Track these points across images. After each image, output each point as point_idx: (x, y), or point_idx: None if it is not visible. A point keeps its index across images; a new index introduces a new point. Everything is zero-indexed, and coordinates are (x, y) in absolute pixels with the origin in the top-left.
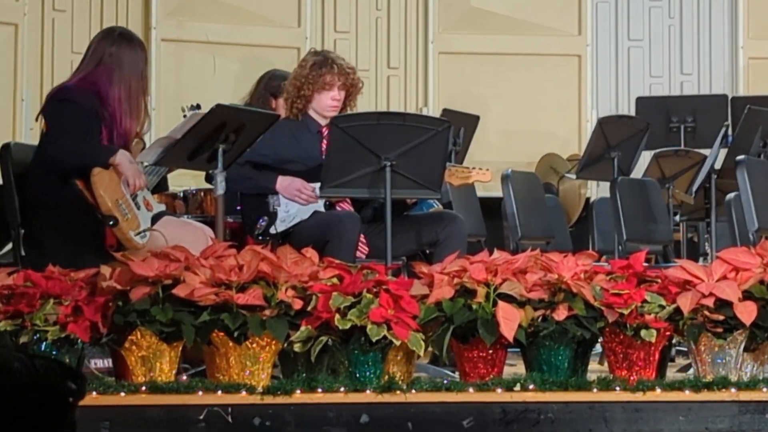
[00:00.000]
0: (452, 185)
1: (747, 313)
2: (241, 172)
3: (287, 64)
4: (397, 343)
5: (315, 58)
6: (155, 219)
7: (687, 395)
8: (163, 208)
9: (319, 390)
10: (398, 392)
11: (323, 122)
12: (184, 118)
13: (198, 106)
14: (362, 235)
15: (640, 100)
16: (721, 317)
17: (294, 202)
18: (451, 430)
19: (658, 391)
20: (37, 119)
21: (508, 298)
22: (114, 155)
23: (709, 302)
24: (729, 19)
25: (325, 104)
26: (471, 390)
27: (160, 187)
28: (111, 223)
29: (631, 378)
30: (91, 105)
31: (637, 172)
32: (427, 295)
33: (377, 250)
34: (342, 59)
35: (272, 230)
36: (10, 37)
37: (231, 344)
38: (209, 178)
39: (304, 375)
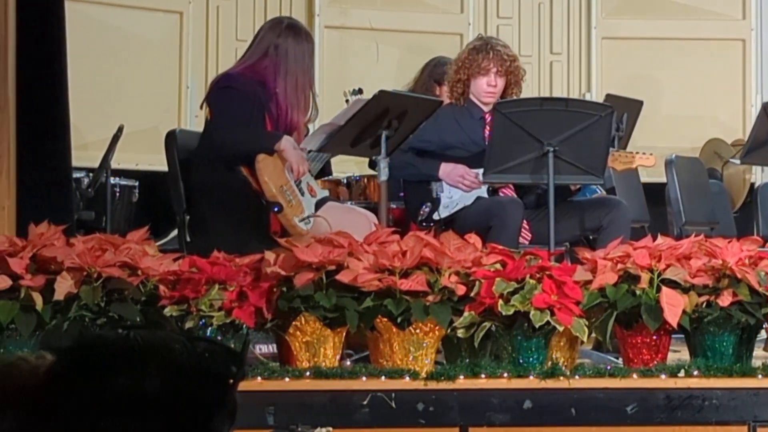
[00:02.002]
0: (615, 170)
1: None
2: (404, 158)
3: (450, 51)
4: (561, 328)
5: (476, 42)
6: (319, 205)
7: None
8: (326, 193)
9: (483, 376)
10: (562, 378)
11: (486, 108)
12: (346, 103)
13: (360, 91)
14: (525, 221)
15: None
16: None
17: (457, 188)
18: (614, 416)
19: None
20: (201, 107)
21: (672, 284)
22: (279, 141)
23: None
24: None
25: (481, 89)
26: (635, 376)
27: (324, 173)
28: (276, 209)
29: None
30: (254, 93)
31: None
32: (591, 281)
33: (540, 236)
34: (503, 46)
35: (435, 216)
36: (176, 25)
37: (394, 330)
38: (372, 165)
39: (467, 360)
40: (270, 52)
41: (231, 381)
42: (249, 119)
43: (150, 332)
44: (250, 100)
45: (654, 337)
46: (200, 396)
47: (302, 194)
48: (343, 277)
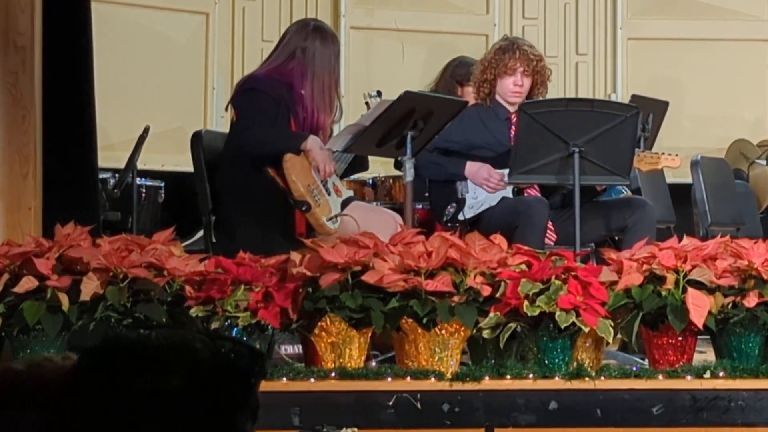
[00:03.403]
0: (641, 171)
1: None
2: (429, 158)
3: (475, 52)
4: (586, 329)
5: (502, 42)
6: (344, 204)
7: None
8: (351, 193)
9: (508, 376)
10: (587, 379)
11: (512, 109)
12: (365, 104)
13: (379, 93)
14: (550, 222)
15: None
16: None
17: (482, 188)
18: (640, 417)
19: None
20: (227, 108)
21: (698, 285)
22: (305, 141)
23: None
24: None
25: (507, 89)
26: (660, 377)
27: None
28: (304, 208)
29: None
30: (279, 94)
31: None
32: (616, 282)
33: (566, 237)
34: (529, 46)
35: (461, 216)
36: (201, 26)
37: (420, 330)
38: (398, 165)
39: (492, 361)
40: (297, 55)
41: (252, 379)
42: (274, 120)
43: (172, 332)
44: (276, 101)
45: (680, 338)
46: (223, 394)
47: (329, 194)
48: (369, 278)
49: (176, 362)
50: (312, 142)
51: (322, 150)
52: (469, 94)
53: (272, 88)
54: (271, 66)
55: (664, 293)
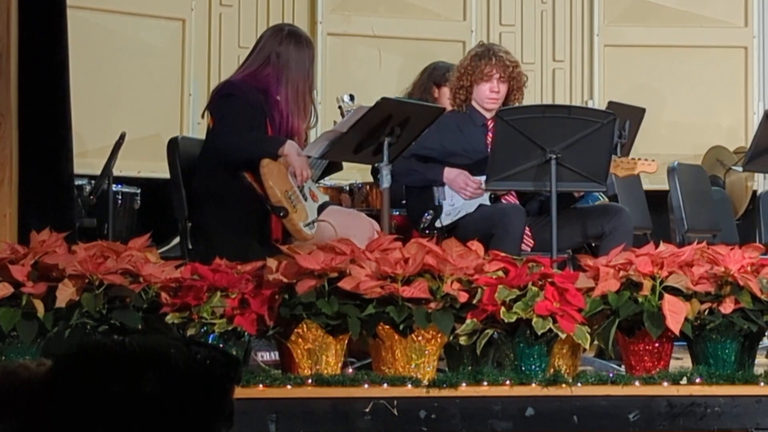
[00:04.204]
0: (618, 176)
1: None
2: (407, 164)
3: (452, 58)
4: (563, 336)
5: (478, 49)
6: (320, 209)
7: None
8: (327, 198)
9: (485, 383)
10: (564, 385)
11: (488, 115)
12: (339, 109)
13: (351, 97)
14: (527, 228)
15: None
16: None
17: (459, 195)
18: (616, 423)
19: None
20: (203, 115)
21: (675, 291)
22: (282, 146)
23: None
24: None
25: (484, 95)
26: (637, 383)
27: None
28: (281, 214)
29: None
30: (256, 99)
31: None
32: (593, 288)
33: (542, 243)
34: (505, 52)
35: (438, 223)
36: (178, 32)
37: (396, 337)
38: (375, 172)
39: (469, 368)
40: (272, 60)
41: (227, 384)
42: (251, 126)
43: (147, 338)
44: (252, 107)
45: (656, 345)
46: (198, 400)
47: (305, 199)
48: (345, 284)
49: (151, 368)
50: (289, 147)
51: (299, 155)
52: (445, 95)
53: (249, 93)
54: (247, 71)
55: (640, 300)
